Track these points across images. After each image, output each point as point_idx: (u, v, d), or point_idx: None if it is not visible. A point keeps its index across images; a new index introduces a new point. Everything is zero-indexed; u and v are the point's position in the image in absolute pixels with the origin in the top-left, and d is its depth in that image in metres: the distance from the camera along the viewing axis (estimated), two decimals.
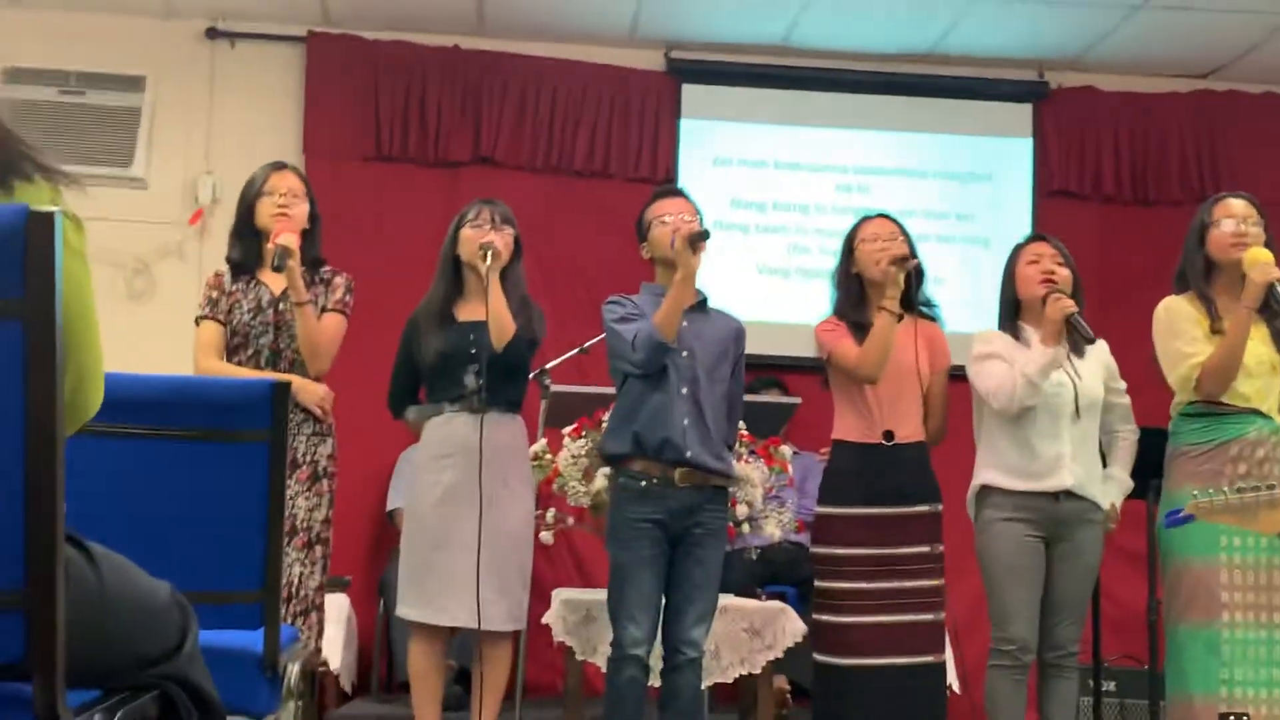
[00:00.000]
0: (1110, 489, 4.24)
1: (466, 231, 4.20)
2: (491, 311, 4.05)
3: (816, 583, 4.23)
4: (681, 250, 3.88)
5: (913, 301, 4.28)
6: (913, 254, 4.22)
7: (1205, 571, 4.01)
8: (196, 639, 1.96)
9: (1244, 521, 2.97)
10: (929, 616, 4.16)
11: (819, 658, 4.19)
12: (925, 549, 4.16)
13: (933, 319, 4.36)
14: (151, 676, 1.86)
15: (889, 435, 4.18)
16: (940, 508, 4.23)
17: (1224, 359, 3.98)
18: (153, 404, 2.42)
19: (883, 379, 4.17)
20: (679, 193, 4.24)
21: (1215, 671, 3.97)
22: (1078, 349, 4.21)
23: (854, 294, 4.30)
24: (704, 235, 3.89)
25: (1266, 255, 3.98)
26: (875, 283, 4.24)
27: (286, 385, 2.46)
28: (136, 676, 1.84)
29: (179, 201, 6.34)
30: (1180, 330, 4.09)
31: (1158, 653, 4.76)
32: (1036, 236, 4.47)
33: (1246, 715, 3.05)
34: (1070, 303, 4.08)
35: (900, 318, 4.13)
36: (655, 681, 4.09)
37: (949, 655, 5.13)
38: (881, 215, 4.35)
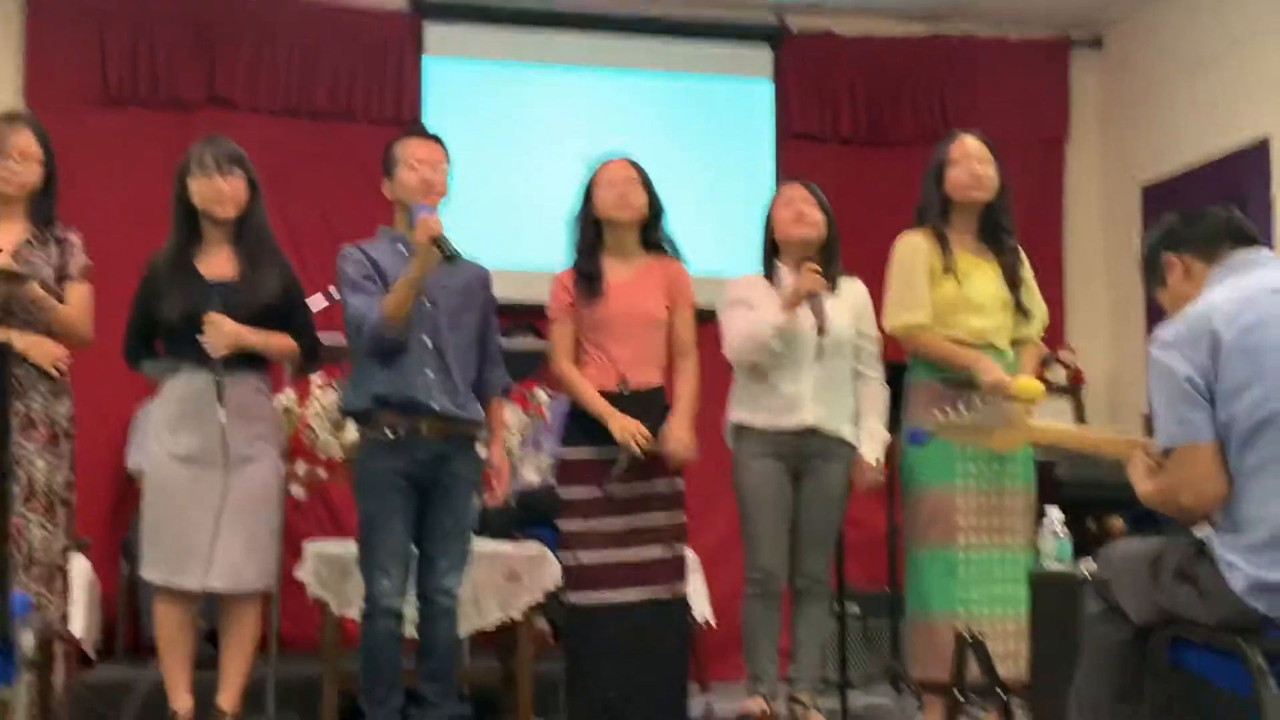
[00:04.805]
0: (871, 444, 4.34)
1: (196, 183, 4.01)
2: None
3: (560, 525, 4.25)
4: (425, 251, 3.83)
5: (651, 241, 4.31)
6: (651, 195, 4.26)
7: (943, 497, 4.20)
8: None
9: (981, 438, 3.12)
10: (668, 552, 4.21)
11: (567, 599, 4.23)
12: (663, 487, 4.21)
13: (675, 257, 4.38)
14: None
15: (624, 382, 4.21)
16: None
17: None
18: None
19: (619, 326, 4.19)
20: (432, 137, 4.15)
21: (953, 591, 4.17)
22: (831, 288, 4.33)
23: (589, 238, 4.30)
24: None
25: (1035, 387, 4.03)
26: (613, 226, 4.26)
27: (5, 346, 2.32)
28: None
29: None
30: (911, 278, 4.24)
31: (898, 575, 4.98)
32: (791, 179, 4.54)
33: (980, 632, 3.21)
34: (814, 281, 4.16)
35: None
36: (414, 633, 4.07)
37: (702, 590, 5.27)
38: (620, 158, 4.34)
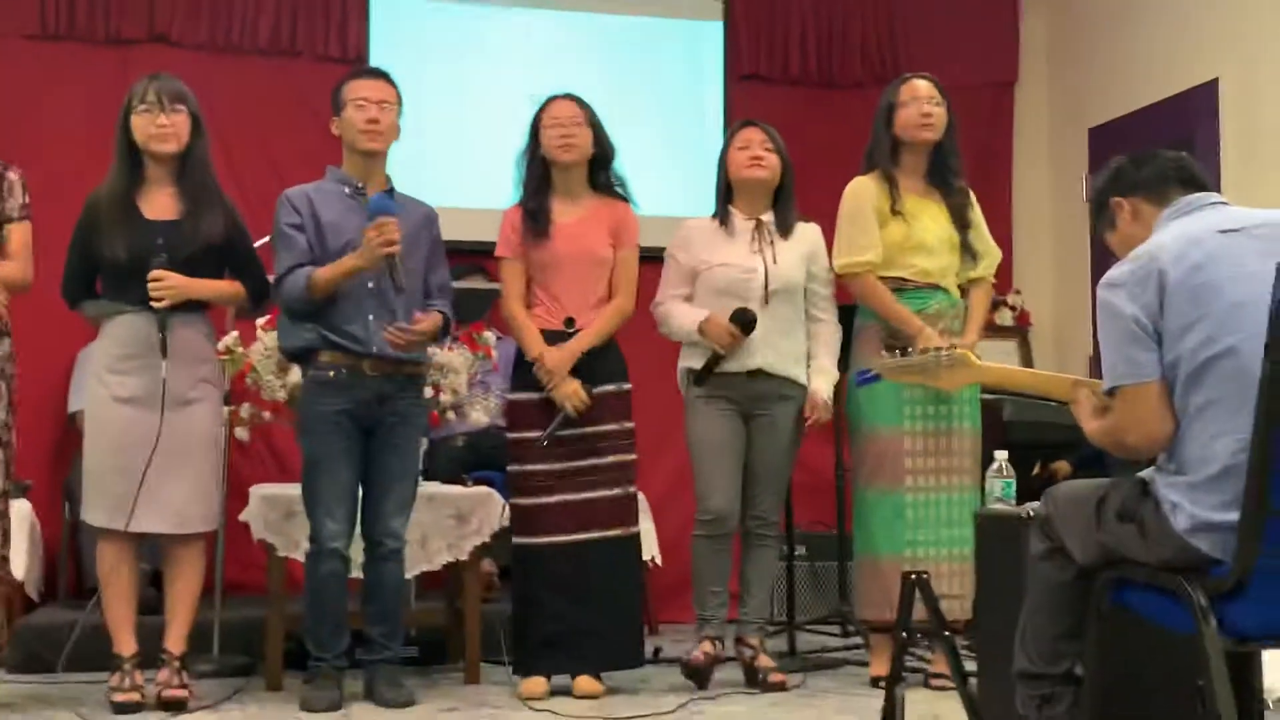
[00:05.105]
0: (821, 382, 4.35)
1: (138, 119, 3.93)
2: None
3: (509, 467, 4.26)
4: (373, 255, 3.83)
5: (600, 182, 4.28)
6: (599, 135, 4.24)
7: (891, 439, 4.22)
8: None
9: (927, 379, 3.13)
10: (618, 491, 4.23)
11: (515, 540, 4.22)
12: (612, 427, 4.22)
13: (623, 199, 4.35)
14: None
15: (569, 322, 4.19)
16: (628, 386, 4.29)
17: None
18: None
19: (565, 267, 4.18)
20: (381, 75, 4.10)
21: (901, 533, 4.21)
22: (785, 232, 4.31)
23: (536, 177, 4.26)
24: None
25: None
26: (559, 166, 4.21)
27: None
28: None
29: None
30: (860, 219, 4.24)
31: (845, 518, 5.01)
32: (746, 123, 4.51)
33: (926, 572, 3.23)
34: (727, 347, 4.21)
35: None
36: (359, 574, 4.06)
37: (650, 530, 5.28)
38: (567, 97, 4.30)
